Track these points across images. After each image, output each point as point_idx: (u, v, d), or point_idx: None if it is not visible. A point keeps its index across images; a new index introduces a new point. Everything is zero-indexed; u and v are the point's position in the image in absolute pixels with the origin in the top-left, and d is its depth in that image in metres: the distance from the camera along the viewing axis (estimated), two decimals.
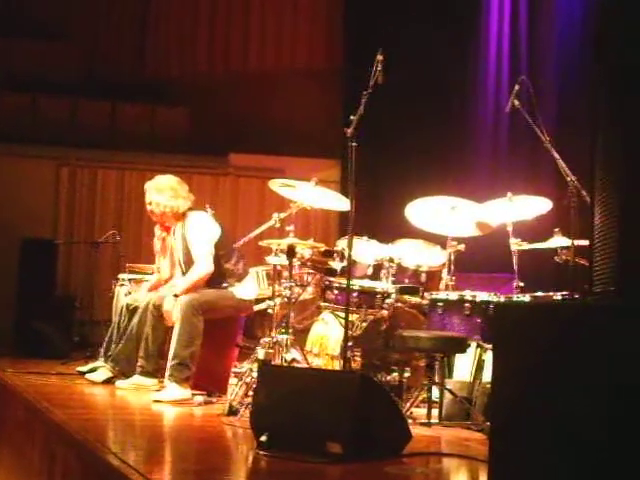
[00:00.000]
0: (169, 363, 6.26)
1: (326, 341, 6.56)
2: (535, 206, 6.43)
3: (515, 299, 5.88)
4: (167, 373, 6.25)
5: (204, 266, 6.48)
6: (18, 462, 6.03)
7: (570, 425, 2.52)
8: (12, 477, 6.17)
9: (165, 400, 6.07)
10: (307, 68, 11.93)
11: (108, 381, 6.84)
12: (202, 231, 6.60)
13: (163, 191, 6.69)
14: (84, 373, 7.07)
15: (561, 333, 2.64)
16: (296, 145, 11.30)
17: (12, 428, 6.53)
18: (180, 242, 6.69)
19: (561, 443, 2.54)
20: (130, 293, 7.28)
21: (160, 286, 6.95)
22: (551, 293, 5.89)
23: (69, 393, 6.52)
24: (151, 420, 5.64)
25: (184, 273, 6.67)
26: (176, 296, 6.43)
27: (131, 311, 6.89)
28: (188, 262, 6.61)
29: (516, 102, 6.14)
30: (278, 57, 12.07)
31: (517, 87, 6.15)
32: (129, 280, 7.68)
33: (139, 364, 6.62)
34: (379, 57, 5.54)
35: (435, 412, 5.60)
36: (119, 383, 6.69)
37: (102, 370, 6.93)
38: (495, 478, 2.75)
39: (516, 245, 6.24)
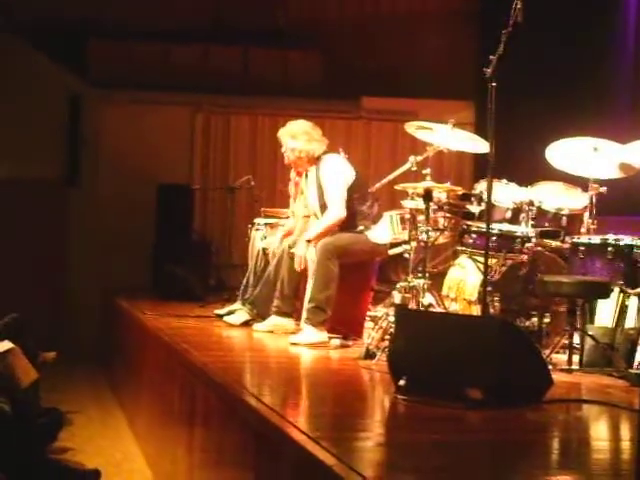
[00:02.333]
0: (306, 306, 6.29)
1: (463, 286, 6.48)
2: None
3: None
4: (304, 316, 6.28)
5: (337, 211, 6.45)
6: (160, 402, 6.17)
7: None
8: (154, 417, 6.32)
9: (302, 343, 6.10)
10: (440, 9, 11.73)
11: (246, 324, 6.93)
12: (336, 174, 6.57)
13: (297, 136, 6.68)
14: (222, 316, 7.19)
15: None
16: (429, 87, 11.15)
17: (153, 370, 6.68)
18: (314, 186, 6.67)
19: None
20: (265, 237, 7.32)
21: (294, 230, 6.97)
22: None
23: (207, 335, 6.63)
24: (288, 363, 5.68)
25: (317, 217, 6.67)
26: (309, 241, 6.44)
27: (267, 255, 6.94)
28: (322, 206, 6.60)
29: None
30: None
31: None
32: (264, 224, 7.73)
33: (275, 304, 6.67)
34: None
35: (576, 358, 5.48)
36: (256, 326, 6.77)
37: (240, 313, 7.03)
38: None
39: None
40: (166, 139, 11.26)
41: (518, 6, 5.38)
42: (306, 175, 6.79)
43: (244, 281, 7.20)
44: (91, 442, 6.67)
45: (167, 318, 7.38)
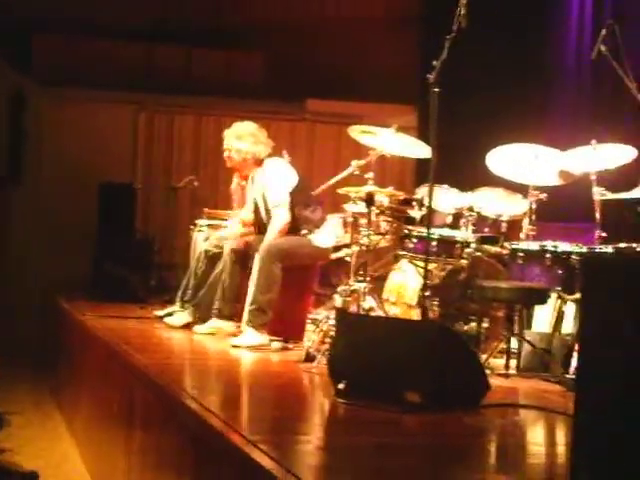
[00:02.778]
0: (247, 308, 6.29)
1: (404, 290, 6.52)
2: (620, 155, 6.27)
3: (598, 250, 5.76)
4: (245, 318, 6.29)
5: (281, 216, 6.48)
6: (99, 405, 6.13)
7: None
8: (92, 419, 6.28)
9: (243, 345, 6.10)
10: (385, 13, 11.78)
11: (186, 326, 6.91)
12: (279, 178, 6.59)
13: (243, 137, 6.68)
14: (162, 317, 7.16)
15: None
16: (373, 90, 11.20)
17: (92, 371, 6.64)
18: (259, 189, 6.68)
19: None
20: (208, 239, 7.31)
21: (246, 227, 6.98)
22: (634, 244, 5.76)
23: (148, 337, 6.59)
24: (229, 365, 5.68)
25: (262, 219, 6.68)
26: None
27: (209, 258, 6.93)
28: (268, 208, 6.61)
29: (602, 48, 5.96)
30: (356, 2, 11.92)
31: (604, 32, 5.97)
32: (207, 226, 7.71)
33: (216, 307, 6.67)
34: (462, 0, 5.43)
35: (513, 363, 5.54)
36: (197, 328, 6.75)
37: (180, 314, 7.01)
38: (579, 433, 2.70)
39: (599, 195, 6.09)
40: (109, 138, 11.19)
41: (462, 12, 5.44)
42: (252, 179, 6.80)
43: (184, 282, 7.18)
44: (29, 444, 6.61)
45: (107, 319, 7.33)
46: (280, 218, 6.48)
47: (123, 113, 11.35)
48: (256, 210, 6.78)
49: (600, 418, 2.59)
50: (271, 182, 6.59)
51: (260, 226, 6.79)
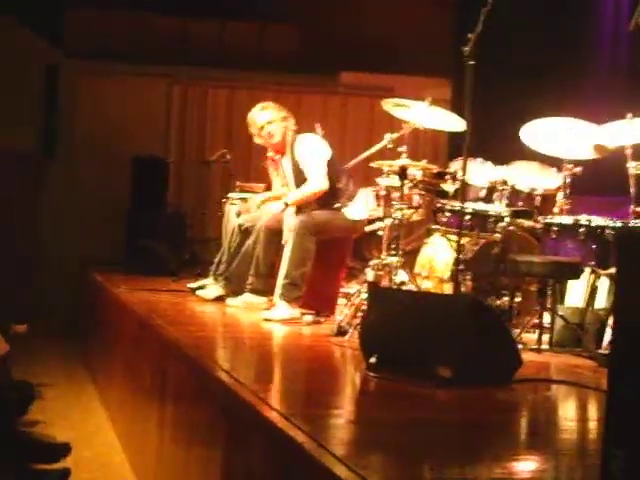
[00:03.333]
0: (280, 282, 6.29)
1: (435, 264, 6.51)
2: None
3: (632, 224, 5.70)
4: (277, 292, 6.29)
5: (318, 182, 6.46)
6: (132, 377, 6.17)
7: None
8: (125, 391, 6.32)
9: (275, 319, 6.11)
10: None
11: (219, 299, 6.93)
12: (315, 151, 6.57)
13: (273, 120, 6.68)
14: (194, 290, 7.18)
15: None
16: (407, 63, 11.13)
17: (125, 344, 6.68)
18: (291, 165, 6.67)
19: None
20: (240, 213, 7.31)
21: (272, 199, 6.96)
22: None
23: (180, 310, 6.62)
24: (261, 338, 5.68)
25: None
26: (286, 205, 6.45)
27: (243, 232, 6.94)
28: (300, 184, 6.59)
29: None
30: None
31: None
32: (239, 199, 7.70)
33: (249, 282, 6.67)
34: None
35: (546, 338, 5.51)
36: (229, 301, 6.77)
37: (213, 288, 7.02)
38: (612, 409, 2.68)
39: (634, 169, 6.02)
40: (142, 111, 11.19)
41: None
42: (283, 155, 6.79)
43: (217, 256, 7.19)
44: (62, 415, 6.67)
45: (140, 292, 7.37)
46: (316, 183, 6.46)
47: (156, 86, 11.35)
48: (293, 185, 6.75)
49: (634, 394, 2.57)
50: (307, 155, 6.57)
51: None
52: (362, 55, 11.29)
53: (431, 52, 10.98)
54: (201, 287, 7.14)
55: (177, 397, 4.78)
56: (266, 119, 6.72)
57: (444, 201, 6.62)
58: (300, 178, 6.59)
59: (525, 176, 6.62)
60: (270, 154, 6.95)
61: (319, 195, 6.47)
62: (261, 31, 11.79)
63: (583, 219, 5.76)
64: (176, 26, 11.54)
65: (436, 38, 11.03)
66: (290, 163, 6.69)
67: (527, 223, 6.48)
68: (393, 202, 6.21)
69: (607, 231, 5.67)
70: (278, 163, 6.88)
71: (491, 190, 6.56)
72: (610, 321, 5.25)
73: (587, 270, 5.64)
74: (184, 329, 5.41)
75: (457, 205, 6.28)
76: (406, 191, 6.19)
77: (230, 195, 7.83)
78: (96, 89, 11.06)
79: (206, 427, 4.09)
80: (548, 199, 6.52)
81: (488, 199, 6.57)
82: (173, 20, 11.48)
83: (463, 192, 5.58)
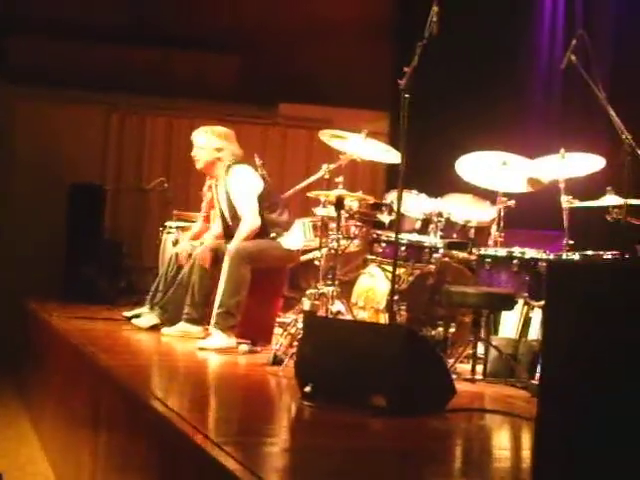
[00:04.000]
0: (215, 311, 6.29)
1: (372, 294, 6.55)
2: (588, 163, 6.33)
3: (564, 257, 5.81)
4: (213, 321, 6.28)
5: (251, 220, 6.48)
6: (66, 406, 6.11)
7: (623, 390, 2.48)
8: (59, 420, 6.25)
9: (210, 348, 6.10)
10: (358, 18, 11.80)
11: (154, 327, 6.90)
12: (246, 186, 6.59)
13: (211, 140, 6.69)
14: (130, 318, 7.14)
15: (614, 293, 2.59)
16: (346, 95, 11.21)
17: (59, 372, 6.61)
18: (224, 194, 6.69)
19: (613, 407, 2.50)
20: (177, 241, 7.29)
21: (203, 233, 6.98)
22: (601, 252, 5.82)
23: (115, 338, 6.57)
24: (196, 367, 5.67)
25: (227, 223, 6.69)
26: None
27: (179, 260, 6.92)
28: (232, 214, 6.61)
29: (572, 57, 6.00)
30: (330, 6, 11.93)
31: (574, 42, 6.01)
32: (176, 228, 7.69)
33: (185, 311, 6.66)
34: (434, 8, 5.46)
35: (480, 368, 5.57)
36: (165, 330, 6.74)
37: (148, 316, 6.99)
38: (542, 438, 2.72)
39: (567, 202, 6.14)
40: (81, 138, 11.11)
41: (434, 19, 5.47)
42: (216, 184, 6.81)
43: (154, 285, 7.16)
44: None
45: (75, 320, 7.30)
46: (249, 222, 6.48)
47: (95, 114, 11.28)
48: (222, 216, 6.77)
49: (562, 423, 2.61)
50: (238, 190, 6.59)
51: (226, 231, 6.78)
52: (302, 87, 11.35)
53: (371, 85, 11.08)
54: (137, 315, 7.09)
55: (111, 426, 4.74)
56: (198, 143, 6.77)
57: (380, 232, 6.67)
58: (231, 208, 6.61)
59: (460, 208, 6.71)
60: (208, 183, 6.97)
61: (255, 232, 6.49)
62: (201, 61, 11.80)
63: (517, 251, 5.86)
64: (116, 53, 11.50)
65: (376, 70, 11.13)
66: (223, 191, 6.71)
67: (462, 254, 6.57)
68: (330, 232, 6.25)
69: (540, 263, 5.77)
70: (212, 187, 6.92)
71: (426, 222, 6.64)
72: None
73: (520, 301, 5.73)
74: (118, 357, 5.38)
75: (392, 236, 6.34)
76: (343, 221, 6.24)
77: (167, 223, 7.81)
78: (34, 115, 10.96)
79: (140, 456, 4.06)
80: (482, 231, 6.62)
81: (423, 230, 6.64)
82: (112, 47, 11.44)
83: (398, 223, 5.62)
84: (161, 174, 9.59)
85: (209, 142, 6.72)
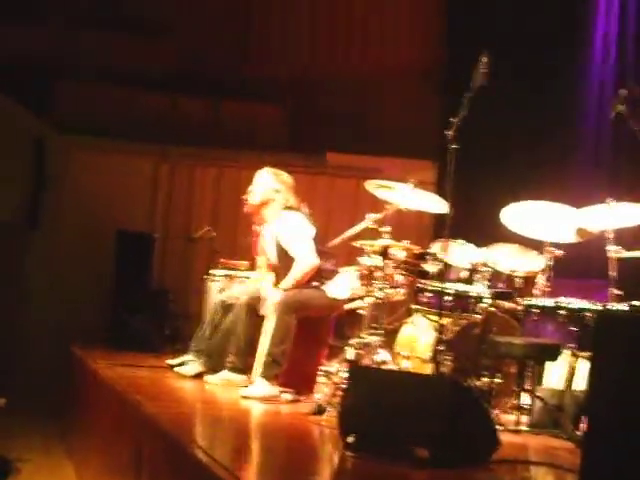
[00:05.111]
0: (260, 359, 6.28)
1: (416, 344, 6.51)
2: (636, 213, 6.27)
3: (612, 308, 5.73)
4: (257, 369, 6.27)
5: (310, 259, 6.49)
6: (108, 453, 6.11)
7: None
8: (102, 467, 6.25)
9: (253, 396, 6.08)
10: (407, 67, 11.85)
11: (197, 375, 6.89)
12: (300, 230, 6.62)
13: (271, 180, 6.78)
14: (173, 366, 7.14)
15: None
16: (393, 145, 11.23)
17: (103, 419, 6.62)
18: (272, 240, 6.70)
19: None
20: (223, 289, 7.30)
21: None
22: None
23: (159, 386, 6.58)
24: (239, 416, 5.65)
25: (277, 271, 6.69)
26: (284, 290, 6.47)
27: (225, 308, 6.93)
28: (281, 262, 6.62)
29: (620, 107, 5.97)
30: (379, 56, 12.00)
31: (623, 92, 5.99)
32: (222, 276, 7.71)
33: (229, 360, 6.66)
34: (483, 59, 5.48)
35: (525, 419, 5.50)
36: (208, 378, 6.74)
37: (192, 364, 6.99)
38: None
39: (615, 252, 6.08)
40: (130, 187, 11.21)
41: (482, 70, 5.49)
42: (267, 230, 6.83)
43: (198, 332, 7.17)
44: None
45: (120, 367, 7.32)
46: (308, 260, 6.49)
47: (144, 163, 11.40)
48: (274, 256, 6.78)
49: (606, 475, 2.57)
50: (291, 234, 6.62)
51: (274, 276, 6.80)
52: (350, 136, 11.40)
53: (419, 134, 11.09)
54: (181, 364, 7.10)
55: (153, 474, 4.74)
56: (259, 180, 6.85)
57: (425, 281, 6.65)
58: (280, 252, 6.62)
59: (506, 258, 6.67)
60: (257, 230, 7.01)
61: (313, 271, 6.48)
62: (251, 111, 11.90)
63: (563, 301, 5.80)
64: (166, 102, 11.64)
65: (424, 120, 11.15)
66: (272, 240, 6.72)
67: (508, 304, 6.51)
68: (375, 281, 6.22)
69: (587, 314, 5.70)
70: (259, 234, 6.94)
71: (472, 271, 6.61)
72: None
73: (566, 352, 5.66)
74: (162, 405, 5.38)
75: (438, 286, 6.32)
76: (388, 271, 6.22)
77: (212, 272, 7.83)
78: (83, 163, 11.08)
79: None
80: (529, 281, 6.56)
81: (469, 280, 6.60)
82: (163, 96, 11.58)
83: (444, 273, 5.60)
84: (209, 223, 9.63)
85: (269, 181, 6.81)
